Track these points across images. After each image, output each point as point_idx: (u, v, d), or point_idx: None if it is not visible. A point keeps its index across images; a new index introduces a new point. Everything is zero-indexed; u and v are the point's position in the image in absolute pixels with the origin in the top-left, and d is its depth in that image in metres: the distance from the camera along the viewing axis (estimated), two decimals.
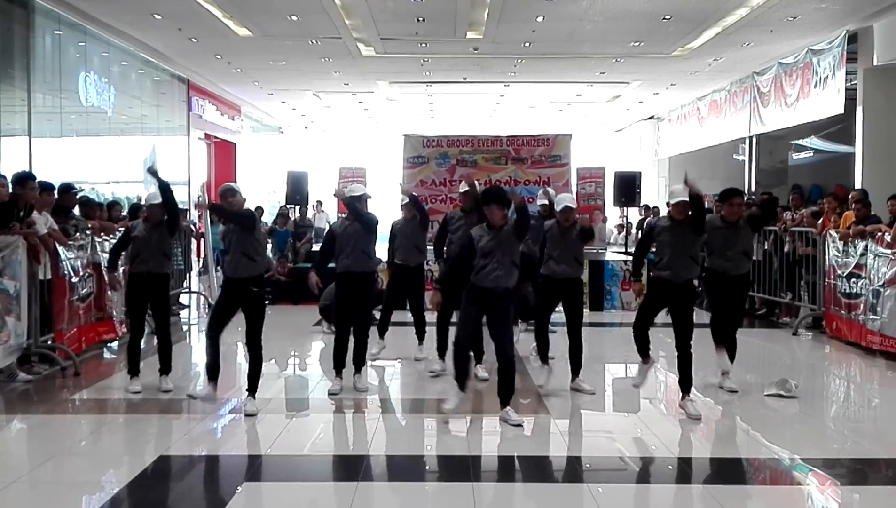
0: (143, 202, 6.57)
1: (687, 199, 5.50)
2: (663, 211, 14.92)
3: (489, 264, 5.13)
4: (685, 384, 5.60)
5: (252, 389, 5.56)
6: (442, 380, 6.51)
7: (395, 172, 12.22)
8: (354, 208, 6.03)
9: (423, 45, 12.58)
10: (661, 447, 4.99)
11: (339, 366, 6.15)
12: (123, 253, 6.58)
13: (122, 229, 8.36)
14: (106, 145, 12.61)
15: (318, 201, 17.60)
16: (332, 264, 6.21)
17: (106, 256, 7.86)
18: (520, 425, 5.21)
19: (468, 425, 5.22)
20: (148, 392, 6.04)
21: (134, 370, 6.14)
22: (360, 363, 6.27)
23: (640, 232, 15.20)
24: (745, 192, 14.57)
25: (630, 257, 11.34)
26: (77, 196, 8.17)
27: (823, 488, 4.30)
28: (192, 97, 15.68)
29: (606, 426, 5.60)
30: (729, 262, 6.17)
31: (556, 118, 20.75)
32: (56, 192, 7.56)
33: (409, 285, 7.18)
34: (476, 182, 7.22)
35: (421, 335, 7.30)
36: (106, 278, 7.65)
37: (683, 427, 5.45)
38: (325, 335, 8.47)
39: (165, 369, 6.22)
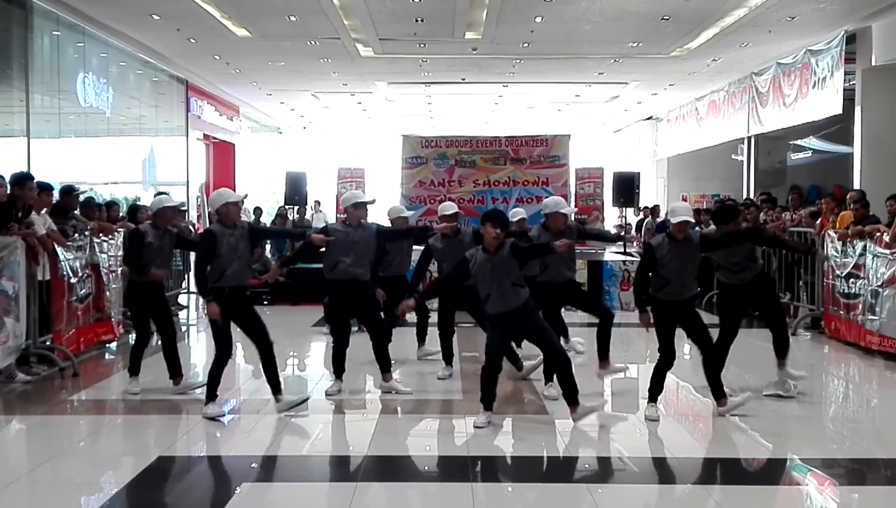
0: (150, 205, 6.40)
1: (689, 218, 5.40)
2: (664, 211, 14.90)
3: (491, 293, 5.08)
4: (717, 390, 5.37)
5: (277, 390, 5.54)
6: (443, 381, 6.52)
7: (394, 172, 12.23)
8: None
9: (422, 45, 12.58)
10: (660, 447, 5.01)
11: (338, 370, 6.09)
12: None
13: (121, 229, 8.38)
14: (104, 146, 12.63)
15: (316, 202, 17.62)
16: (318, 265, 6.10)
17: (104, 256, 7.87)
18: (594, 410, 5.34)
19: (468, 425, 5.22)
20: (147, 393, 6.02)
21: (134, 370, 6.10)
22: (386, 364, 6.08)
23: (637, 233, 15.19)
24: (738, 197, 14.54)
25: (628, 257, 11.41)
26: (80, 197, 8.14)
27: (822, 488, 4.30)
28: (190, 98, 15.68)
29: (606, 427, 5.59)
30: (743, 271, 5.89)
31: (554, 119, 20.77)
32: (58, 193, 7.57)
33: (407, 293, 7.11)
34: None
35: (422, 337, 7.29)
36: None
37: (683, 428, 5.46)
38: (325, 336, 8.44)
39: (177, 371, 6.08)
